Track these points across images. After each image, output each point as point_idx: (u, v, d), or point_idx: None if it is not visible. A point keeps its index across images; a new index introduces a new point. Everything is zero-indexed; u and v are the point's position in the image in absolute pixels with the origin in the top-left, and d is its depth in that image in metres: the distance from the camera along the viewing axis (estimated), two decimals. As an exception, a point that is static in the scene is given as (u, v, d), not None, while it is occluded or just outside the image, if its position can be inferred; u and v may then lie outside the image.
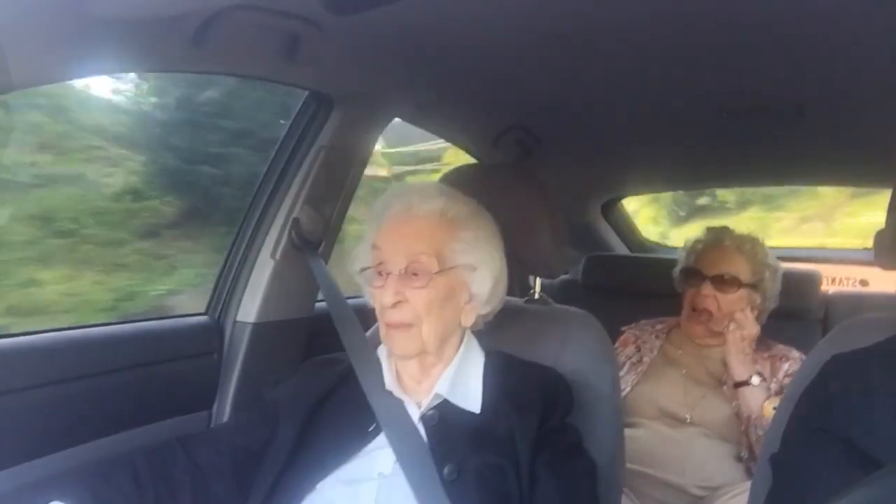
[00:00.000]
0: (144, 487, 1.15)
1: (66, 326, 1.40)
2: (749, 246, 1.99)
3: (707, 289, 1.95)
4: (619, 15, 1.34)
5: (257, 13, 1.20)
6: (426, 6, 1.27)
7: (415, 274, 1.15)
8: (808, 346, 1.32)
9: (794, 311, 2.24)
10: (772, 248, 2.08)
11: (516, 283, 2.25)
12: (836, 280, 3.12)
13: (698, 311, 1.97)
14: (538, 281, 1.96)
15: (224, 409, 1.61)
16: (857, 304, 2.29)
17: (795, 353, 1.92)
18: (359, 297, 1.34)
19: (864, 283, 3.06)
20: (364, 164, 1.76)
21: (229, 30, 1.19)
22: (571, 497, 1.12)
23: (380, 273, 1.17)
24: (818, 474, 0.92)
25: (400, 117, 1.80)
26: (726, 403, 1.87)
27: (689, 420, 1.88)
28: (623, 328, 2.17)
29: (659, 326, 2.12)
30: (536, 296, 1.92)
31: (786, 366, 1.89)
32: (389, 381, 1.21)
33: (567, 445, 1.16)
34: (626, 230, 3.11)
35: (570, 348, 1.34)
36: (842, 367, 1.01)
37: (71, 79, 1.19)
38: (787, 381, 1.85)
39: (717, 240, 2.02)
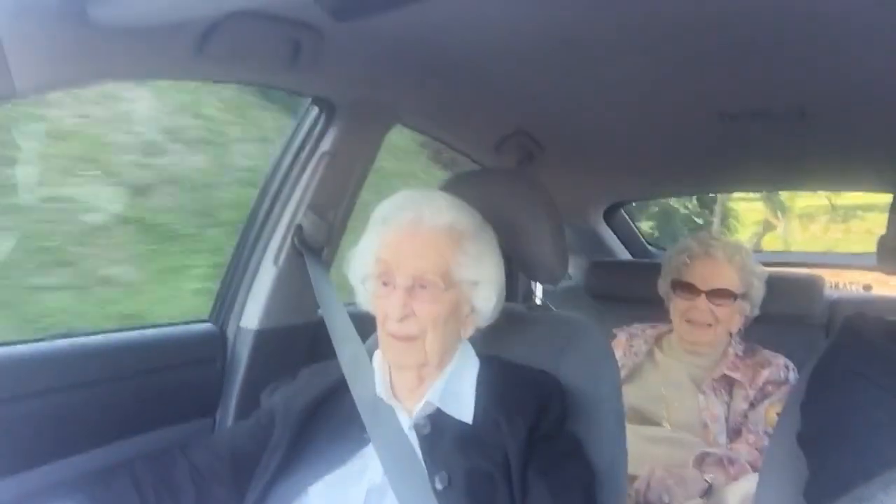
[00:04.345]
0: (146, 493, 1.15)
1: (69, 333, 1.41)
2: (738, 257, 2.00)
3: (703, 303, 1.96)
4: (620, 20, 1.34)
5: (259, 20, 1.21)
6: (428, 12, 1.27)
7: (422, 287, 1.14)
8: (811, 351, 1.31)
9: (798, 317, 2.24)
10: (773, 252, 2.08)
11: (518, 290, 2.26)
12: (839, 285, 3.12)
13: (697, 324, 1.97)
14: (540, 287, 1.96)
15: (227, 415, 1.61)
16: (861, 309, 2.28)
17: (780, 360, 1.93)
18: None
19: (867, 287, 3.05)
20: (367, 170, 1.76)
21: (231, 37, 1.19)
22: None
23: (385, 283, 1.16)
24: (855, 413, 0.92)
25: (402, 123, 1.81)
26: (701, 408, 1.88)
27: (665, 423, 1.90)
28: (615, 330, 2.17)
29: (650, 331, 2.13)
30: (538, 302, 1.92)
31: (766, 372, 1.89)
32: (382, 390, 1.20)
33: (561, 453, 1.15)
34: (628, 236, 3.11)
35: (572, 354, 1.34)
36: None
37: (74, 87, 1.19)
38: (769, 388, 1.86)
39: (707, 252, 2.01)
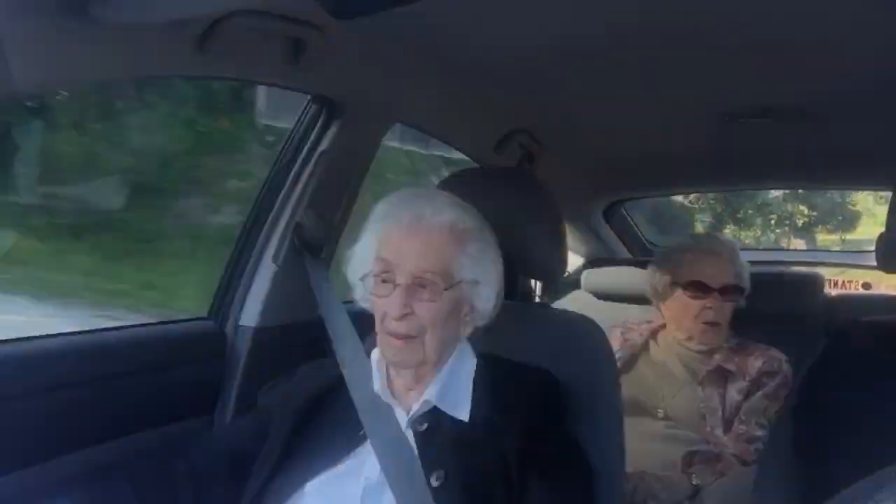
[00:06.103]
0: (144, 491, 1.16)
1: (68, 332, 1.40)
2: (735, 252, 2.01)
3: (715, 301, 1.95)
4: (621, 19, 1.34)
5: (260, 18, 1.20)
6: (429, 11, 1.27)
7: (422, 286, 1.13)
8: (810, 349, 1.31)
9: (796, 315, 2.24)
10: (770, 250, 2.08)
11: (518, 287, 2.27)
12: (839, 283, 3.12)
13: (710, 323, 1.95)
14: (539, 285, 1.96)
15: (226, 413, 1.61)
16: (859, 308, 2.29)
17: (773, 352, 1.93)
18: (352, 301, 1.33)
19: (866, 286, 3.05)
20: (367, 168, 1.76)
21: (232, 35, 1.19)
22: None
23: (384, 281, 1.16)
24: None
25: (403, 122, 1.81)
26: (698, 400, 1.89)
27: (661, 415, 1.90)
28: (612, 326, 2.17)
29: (645, 326, 2.13)
30: (537, 300, 1.92)
31: (759, 363, 1.89)
32: (380, 387, 1.20)
33: (558, 451, 1.15)
34: (628, 234, 3.11)
35: (571, 352, 1.34)
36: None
37: (74, 85, 1.19)
38: (763, 379, 1.87)
39: (712, 250, 2.00)
